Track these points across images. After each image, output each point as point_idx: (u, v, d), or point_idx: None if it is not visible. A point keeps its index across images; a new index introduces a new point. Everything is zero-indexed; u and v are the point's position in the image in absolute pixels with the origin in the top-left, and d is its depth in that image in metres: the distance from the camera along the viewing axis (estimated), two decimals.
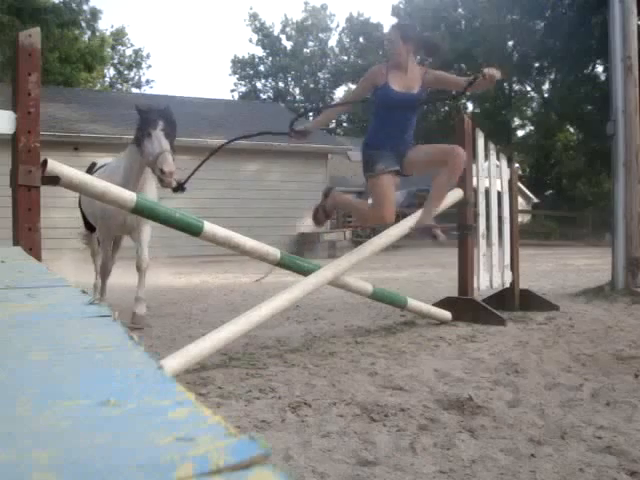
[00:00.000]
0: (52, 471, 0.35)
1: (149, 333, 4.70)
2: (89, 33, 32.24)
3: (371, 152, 4.09)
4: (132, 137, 5.09)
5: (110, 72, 38.37)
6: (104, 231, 5.31)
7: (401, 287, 7.10)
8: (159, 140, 4.67)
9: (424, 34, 4.46)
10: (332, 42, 48.84)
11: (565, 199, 30.19)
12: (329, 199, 4.49)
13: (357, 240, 14.52)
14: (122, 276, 6.47)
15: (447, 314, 4.93)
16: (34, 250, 2.86)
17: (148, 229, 5.27)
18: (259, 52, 47.74)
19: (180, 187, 4.50)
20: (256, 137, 4.68)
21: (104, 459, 0.37)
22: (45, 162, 2.98)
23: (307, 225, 16.24)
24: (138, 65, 39.55)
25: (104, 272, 5.51)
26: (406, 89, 4.02)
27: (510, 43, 32.75)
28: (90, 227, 6.09)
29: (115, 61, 38.52)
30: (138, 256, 5.22)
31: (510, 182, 5.80)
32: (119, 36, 37.40)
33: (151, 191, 5.13)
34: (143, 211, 3.48)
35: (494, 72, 3.82)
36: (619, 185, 6.29)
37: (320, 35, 48.40)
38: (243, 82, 48.19)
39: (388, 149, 4.03)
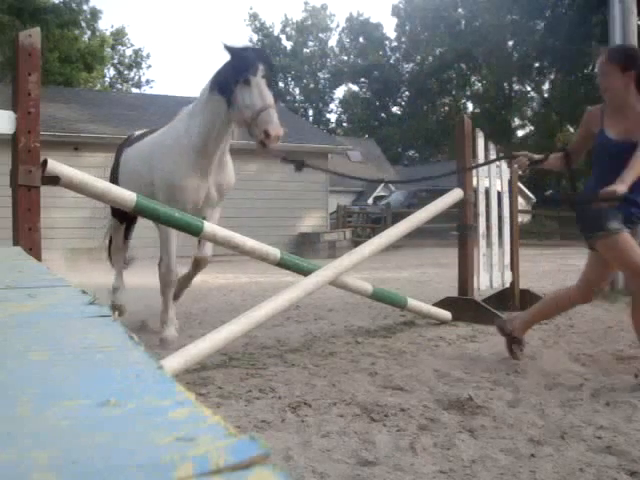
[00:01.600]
0: (52, 471, 0.35)
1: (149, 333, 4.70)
2: (89, 33, 32.32)
3: (597, 208, 3.28)
4: (210, 84, 3.86)
5: (110, 72, 38.45)
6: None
7: (401, 287, 7.10)
8: (261, 91, 3.50)
9: None
10: (332, 42, 48.94)
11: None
12: (516, 327, 3.68)
13: (357, 240, 14.53)
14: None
15: (447, 314, 4.93)
16: (34, 250, 2.86)
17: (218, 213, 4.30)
18: None
19: (301, 165, 3.72)
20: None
21: (104, 459, 0.37)
22: (45, 162, 2.98)
23: (307, 225, 16.25)
24: (138, 65, 39.59)
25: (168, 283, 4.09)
26: (627, 135, 3.20)
27: (510, 43, 32.78)
28: (119, 215, 4.86)
29: (115, 61, 38.56)
30: (200, 250, 4.13)
31: (510, 182, 5.80)
32: (119, 36, 37.43)
33: (230, 166, 4.15)
34: (144, 211, 3.46)
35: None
36: None
37: (320, 35, 48.47)
38: None
39: (616, 206, 3.24)
